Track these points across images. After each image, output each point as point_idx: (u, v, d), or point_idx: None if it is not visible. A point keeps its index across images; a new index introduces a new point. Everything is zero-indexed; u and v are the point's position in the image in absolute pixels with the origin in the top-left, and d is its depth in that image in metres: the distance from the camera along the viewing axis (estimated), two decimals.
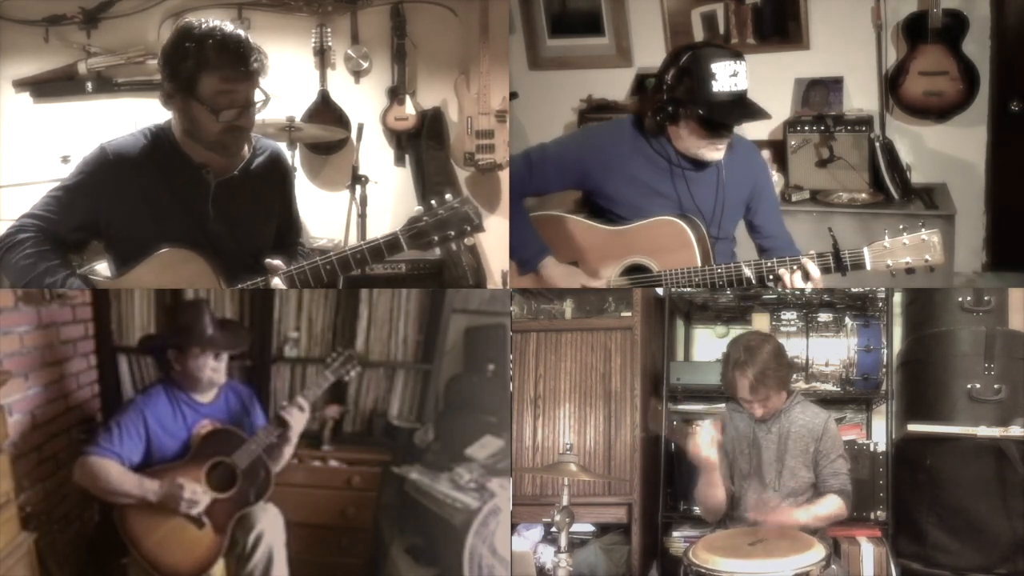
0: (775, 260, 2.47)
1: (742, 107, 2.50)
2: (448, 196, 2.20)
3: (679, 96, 2.51)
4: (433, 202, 2.20)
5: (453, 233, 2.19)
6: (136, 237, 2.29)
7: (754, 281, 2.49)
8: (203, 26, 2.21)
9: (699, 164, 2.65)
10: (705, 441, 2.47)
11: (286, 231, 2.55)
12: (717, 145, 2.56)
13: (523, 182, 2.74)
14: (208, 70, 2.18)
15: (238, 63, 2.20)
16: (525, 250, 2.72)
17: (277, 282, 2.23)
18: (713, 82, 2.46)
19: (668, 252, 2.62)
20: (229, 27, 2.23)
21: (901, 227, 2.36)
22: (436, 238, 2.19)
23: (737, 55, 2.52)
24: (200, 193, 2.31)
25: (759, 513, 2.51)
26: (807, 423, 2.61)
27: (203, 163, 2.30)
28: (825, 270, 2.41)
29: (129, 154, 2.28)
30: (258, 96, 2.28)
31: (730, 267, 2.51)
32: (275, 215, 2.49)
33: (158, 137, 2.32)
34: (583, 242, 2.74)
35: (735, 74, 2.47)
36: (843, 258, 2.38)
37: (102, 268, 2.41)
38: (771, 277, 2.46)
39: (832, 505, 2.50)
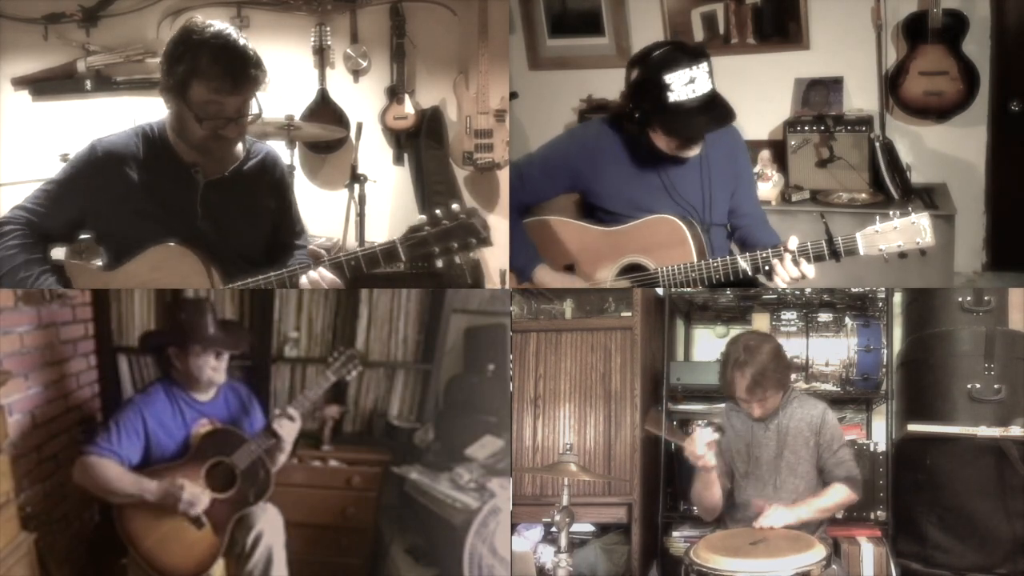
0: (770, 250, 2.44)
1: (705, 113, 2.44)
2: (455, 207, 2.12)
3: (643, 106, 2.49)
4: (438, 212, 2.11)
5: (456, 245, 2.10)
6: (125, 232, 2.31)
7: (750, 273, 2.47)
8: (205, 32, 2.19)
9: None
10: (701, 444, 2.46)
11: (286, 232, 2.53)
12: (690, 146, 2.56)
13: (516, 193, 2.76)
14: (199, 78, 2.17)
15: (230, 76, 2.17)
16: (518, 259, 2.75)
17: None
18: (669, 93, 2.40)
19: (664, 249, 2.63)
20: (232, 36, 2.20)
21: (891, 213, 2.36)
22: (437, 249, 2.11)
23: (696, 56, 2.42)
24: (189, 192, 2.32)
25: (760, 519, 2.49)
26: (804, 416, 2.61)
27: (193, 162, 2.31)
28: (819, 257, 2.39)
29: (119, 152, 2.30)
30: (253, 108, 2.25)
31: (726, 261, 2.50)
32: (268, 217, 2.47)
33: (150, 136, 2.33)
34: (579, 244, 2.75)
35: (692, 80, 2.40)
36: (836, 244, 2.36)
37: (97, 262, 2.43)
38: (766, 268, 2.44)
39: (837, 494, 2.51)
